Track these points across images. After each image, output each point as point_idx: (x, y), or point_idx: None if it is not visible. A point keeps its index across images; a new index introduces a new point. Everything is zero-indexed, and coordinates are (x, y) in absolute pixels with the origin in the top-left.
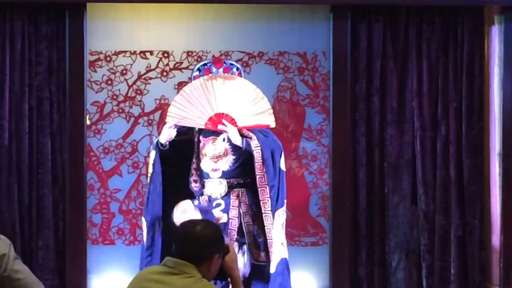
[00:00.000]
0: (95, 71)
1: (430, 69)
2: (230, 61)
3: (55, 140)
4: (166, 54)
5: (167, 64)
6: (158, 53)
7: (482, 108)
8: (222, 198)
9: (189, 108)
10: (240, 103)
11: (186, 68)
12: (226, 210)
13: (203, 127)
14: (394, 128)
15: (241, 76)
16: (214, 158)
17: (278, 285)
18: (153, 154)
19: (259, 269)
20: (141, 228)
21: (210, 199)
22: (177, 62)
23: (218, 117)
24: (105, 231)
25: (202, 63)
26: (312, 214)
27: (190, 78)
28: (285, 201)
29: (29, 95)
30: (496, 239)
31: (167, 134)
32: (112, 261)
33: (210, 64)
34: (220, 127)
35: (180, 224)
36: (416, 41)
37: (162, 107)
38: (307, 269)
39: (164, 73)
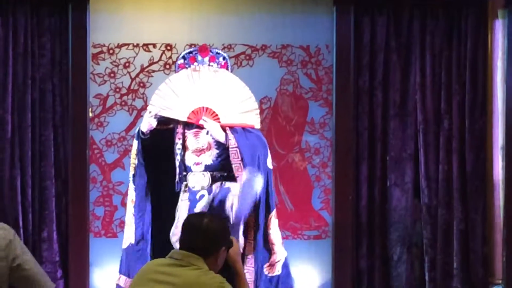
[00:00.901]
0: (98, 64)
1: (434, 63)
2: (216, 50)
3: (58, 132)
4: (169, 47)
5: (170, 57)
6: (161, 46)
7: (486, 102)
8: (206, 189)
9: (172, 98)
10: (226, 99)
11: None
12: (211, 201)
13: (184, 119)
14: (397, 122)
15: (227, 67)
16: (196, 152)
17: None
18: (135, 144)
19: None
20: None
21: (193, 191)
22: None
23: (201, 111)
24: (108, 223)
25: (187, 51)
26: (315, 207)
27: (175, 64)
28: (275, 200)
29: (32, 88)
30: (498, 233)
31: (148, 123)
32: (114, 253)
33: (196, 52)
34: (201, 121)
35: (187, 217)
36: (419, 34)
37: None
38: (309, 262)
39: (167, 66)
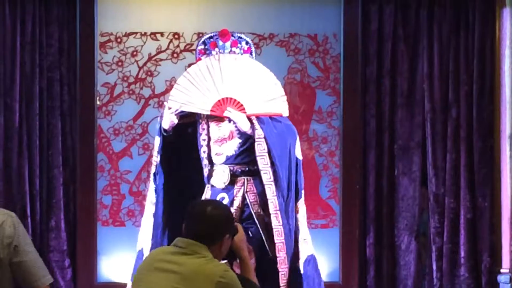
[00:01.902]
0: (106, 53)
1: (441, 52)
2: (238, 34)
3: (66, 121)
4: (176, 35)
5: (178, 46)
6: (168, 35)
7: (493, 91)
8: (225, 190)
9: (193, 91)
10: (250, 88)
11: None
12: (230, 203)
13: (208, 113)
14: (404, 111)
15: (250, 52)
16: (218, 142)
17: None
18: (157, 141)
19: (266, 263)
20: None
21: (214, 190)
22: (188, 44)
23: (225, 102)
24: (116, 212)
25: (207, 35)
26: (322, 196)
27: (195, 50)
28: (303, 192)
29: (40, 77)
30: (506, 222)
31: (169, 120)
32: (122, 242)
33: (216, 37)
34: (226, 113)
35: (191, 205)
36: (427, 23)
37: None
38: (317, 251)
39: (175, 55)
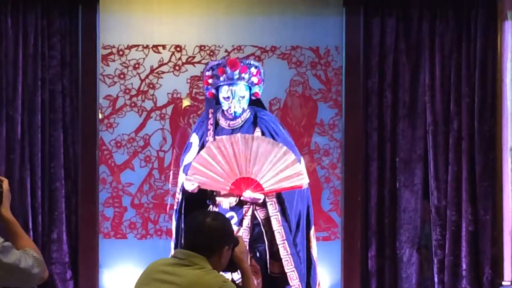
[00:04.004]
0: (108, 65)
1: (443, 64)
2: (248, 61)
3: (68, 133)
4: (178, 48)
5: (180, 58)
6: (170, 47)
7: (495, 104)
8: (233, 209)
9: (210, 175)
10: (268, 168)
11: (199, 62)
12: (239, 223)
13: (226, 192)
14: (406, 123)
15: (259, 73)
16: None
17: None
18: (179, 196)
19: (273, 282)
20: (153, 222)
21: (220, 210)
22: (190, 56)
23: (243, 182)
24: (117, 225)
25: (215, 63)
26: (324, 209)
27: (202, 73)
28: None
29: (42, 89)
30: (507, 234)
31: (191, 188)
32: (124, 255)
33: (224, 64)
34: (244, 196)
35: (189, 216)
36: (429, 35)
37: (175, 101)
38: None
39: (177, 67)
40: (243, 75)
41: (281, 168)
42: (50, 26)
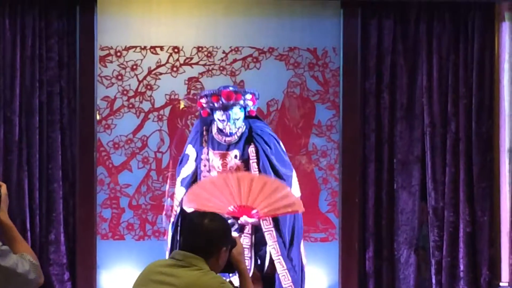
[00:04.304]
0: (106, 66)
1: (440, 66)
2: (242, 89)
3: (65, 135)
4: (176, 49)
5: (177, 60)
6: (168, 49)
7: (492, 105)
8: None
9: (206, 200)
10: (265, 199)
11: (196, 63)
12: (240, 230)
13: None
14: (403, 124)
15: (255, 97)
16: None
17: None
18: (178, 209)
19: (269, 281)
20: (151, 223)
21: None
22: (187, 58)
23: (240, 209)
24: (115, 226)
25: (209, 92)
26: (322, 210)
27: (196, 98)
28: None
29: (40, 90)
30: (505, 236)
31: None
32: (121, 256)
33: (219, 94)
34: (241, 221)
35: (187, 217)
36: (426, 37)
37: (172, 102)
38: (316, 264)
39: (174, 69)
40: (238, 101)
41: (276, 198)
42: (48, 28)
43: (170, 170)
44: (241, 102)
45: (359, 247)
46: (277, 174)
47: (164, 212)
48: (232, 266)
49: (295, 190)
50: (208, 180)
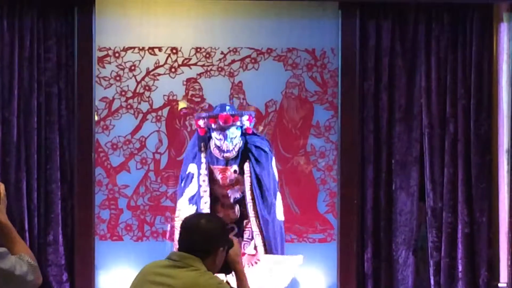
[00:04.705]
0: (104, 67)
1: (439, 67)
2: (240, 112)
3: (64, 136)
4: (174, 50)
5: (176, 60)
6: (166, 49)
7: (491, 106)
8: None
9: None
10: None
11: (195, 64)
12: (240, 235)
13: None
14: (402, 125)
15: (252, 120)
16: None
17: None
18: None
19: None
20: (149, 224)
21: None
22: (186, 59)
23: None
24: (113, 227)
25: (207, 114)
26: (320, 210)
27: (195, 120)
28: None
29: (38, 91)
30: (503, 237)
31: None
32: (120, 257)
33: (216, 117)
34: None
35: (184, 218)
36: (424, 38)
37: (171, 103)
38: (315, 265)
39: (173, 69)
40: (235, 123)
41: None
42: (46, 29)
43: (168, 171)
44: (238, 123)
45: (357, 248)
46: (263, 195)
47: (168, 235)
48: (229, 266)
49: (279, 214)
50: None
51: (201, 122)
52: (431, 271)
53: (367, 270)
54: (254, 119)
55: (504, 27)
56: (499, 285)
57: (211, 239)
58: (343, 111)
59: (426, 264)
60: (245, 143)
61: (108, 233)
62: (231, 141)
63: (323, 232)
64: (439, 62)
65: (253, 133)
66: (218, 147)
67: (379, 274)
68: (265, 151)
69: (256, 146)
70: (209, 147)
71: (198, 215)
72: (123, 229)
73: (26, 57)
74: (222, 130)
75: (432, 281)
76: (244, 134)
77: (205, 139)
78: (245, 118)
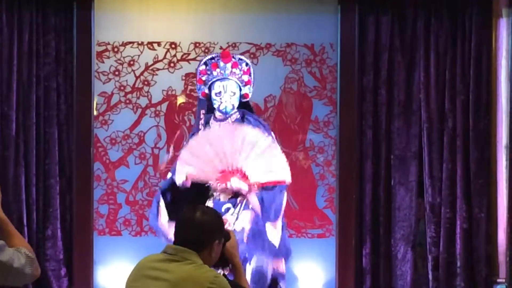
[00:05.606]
0: (103, 62)
1: (438, 62)
2: (239, 56)
3: (62, 130)
4: (173, 45)
5: (175, 55)
6: (165, 44)
7: (490, 101)
8: (230, 200)
9: (196, 162)
10: (253, 158)
11: (194, 59)
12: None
13: (213, 181)
14: (401, 121)
15: (250, 73)
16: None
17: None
18: (162, 203)
19: None
20: (148, 219)
21: (218, 203)
22: (185, 53)
23: (229, 172)
24: (112, 221)
25: (209, 56)
26: (319, 206)
27: (196, 70)
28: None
29: (37, 86)
30: (502, 232)
31: (182, 182)
32: (118, 251)
33: (218, 58)
34: (230, 184)
35: (180, 211)
36: (424, 33)
37: (169, 98)
38: (313, 260)
39: (172, 64)
40: (234, 70)
41: (266, 158)
42: (45, 23)
43: (167, 166)
44: (237, 71)
45: (356, 243)
46: None
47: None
48: (225, 260)
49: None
50: (196, 141)
51: (203, 68)
52: (430, 267)
53: (365, 266)
54: (252, 82)
55: (503, 22)
56: (498, 280)
57: (206, 232)
58: (342, 106)
59: (425, 260)
60: (243, 117)
61: (106, 228)
62: (230, 97)
63: (321, 228)
64: (438, 57)
65: (251, 110)
66: (216, 116)
67: (378, 269)
68: (263, 125)
69: (254, 119)
70: (208, 121)
71: (193, 207)
72: (122, 224)
73: (25, 52)
74: (223, 78)
75: (430, 277)
76: (242, 106)
77: (204, 106)
78: (244, 67)
